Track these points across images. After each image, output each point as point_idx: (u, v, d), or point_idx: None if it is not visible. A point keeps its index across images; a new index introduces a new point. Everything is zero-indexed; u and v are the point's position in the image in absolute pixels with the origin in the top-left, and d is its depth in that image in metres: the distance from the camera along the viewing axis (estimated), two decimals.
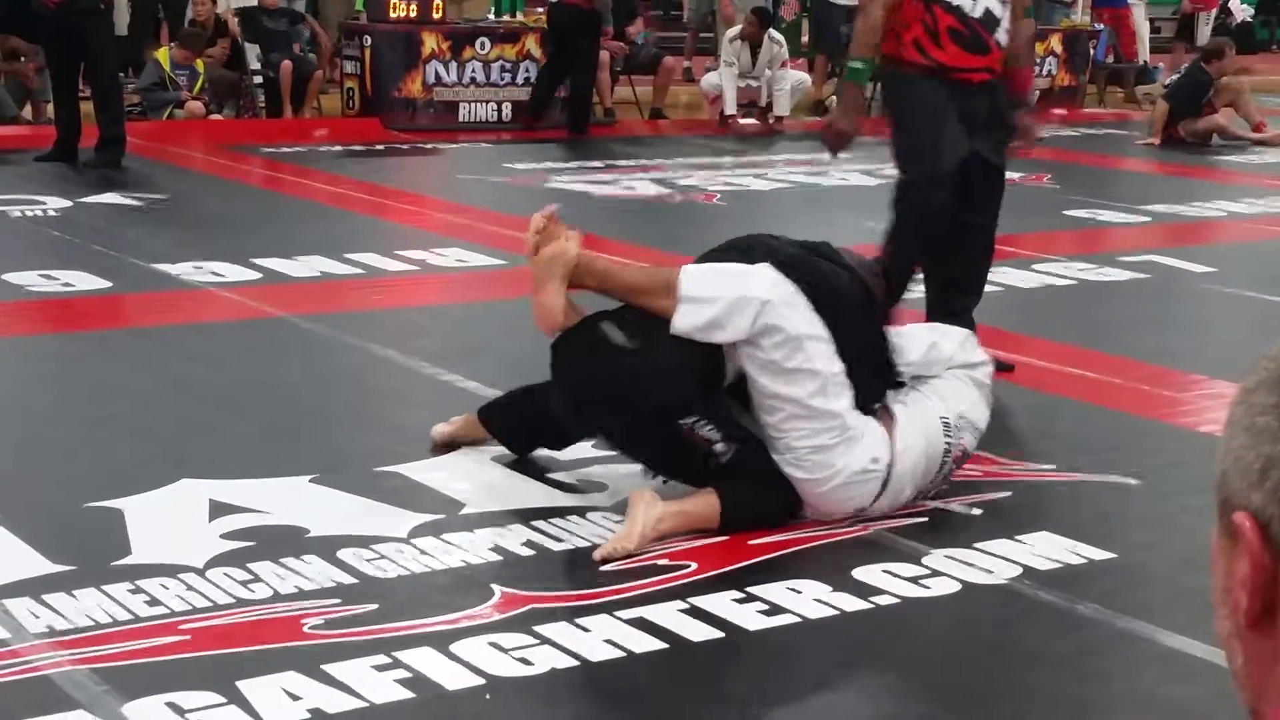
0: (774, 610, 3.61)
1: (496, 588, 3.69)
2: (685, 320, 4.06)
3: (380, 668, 3.25)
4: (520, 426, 4.62)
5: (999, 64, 5.60)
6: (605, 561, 3.85)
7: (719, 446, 4.07)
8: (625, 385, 4.10)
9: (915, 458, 4.22)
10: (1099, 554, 4.05)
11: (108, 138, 10.48)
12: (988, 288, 7.45)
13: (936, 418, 4.30)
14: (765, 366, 4.06)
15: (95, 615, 3.47)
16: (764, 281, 4.07)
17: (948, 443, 4.30)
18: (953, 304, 5.74)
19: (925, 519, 4.24)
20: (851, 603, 3.67)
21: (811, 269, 4.17)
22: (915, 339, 4.46)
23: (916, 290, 5.85)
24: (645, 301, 4.14)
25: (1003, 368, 5.51)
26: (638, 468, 4.29)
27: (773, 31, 14.62)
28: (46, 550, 3.83)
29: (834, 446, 4.09)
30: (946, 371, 4.44)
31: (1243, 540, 1.02)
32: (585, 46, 13.45)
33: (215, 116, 13.37)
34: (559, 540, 4.02)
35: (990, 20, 5.55)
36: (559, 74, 13.53)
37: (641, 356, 4.10)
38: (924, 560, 3.94)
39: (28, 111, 13.29)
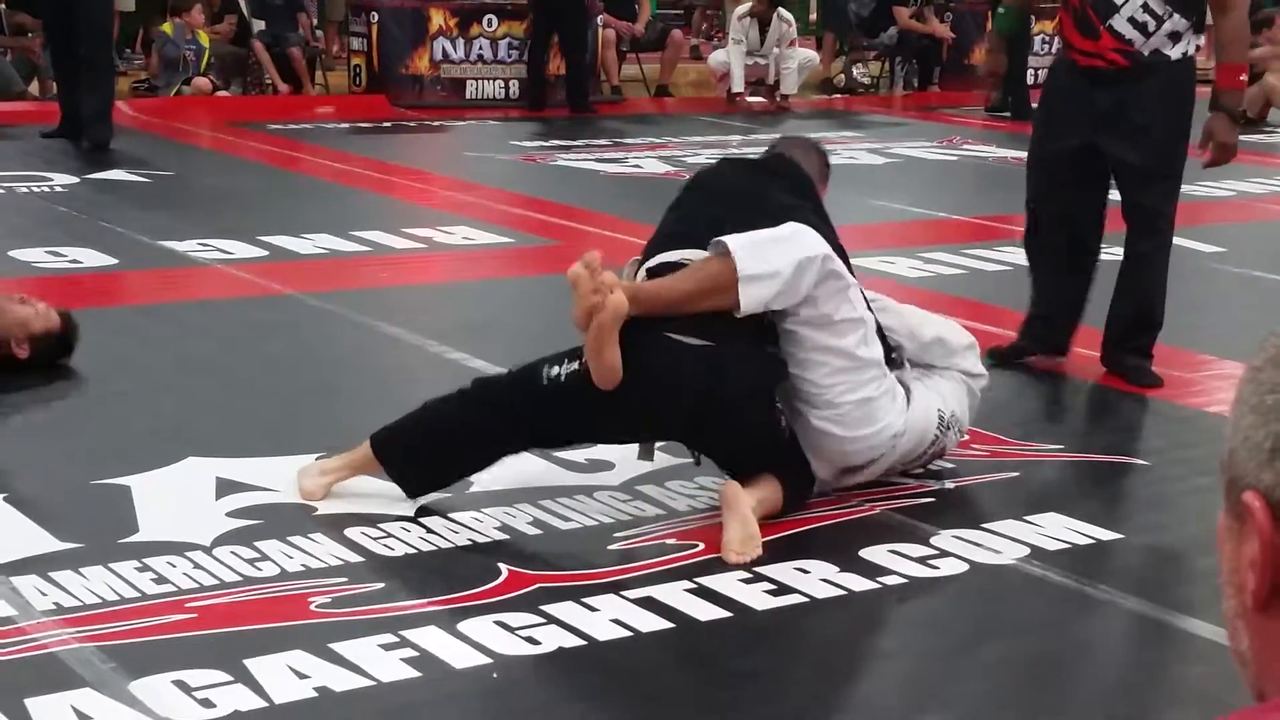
0: (781, 590, 3.60)
1: (504, 566, 3.68)
2: (753, 300, 3.92)
3: (387, 646, 3.24)
4: (417, 465, 4.09)
5: (1121, 55, 5.25)
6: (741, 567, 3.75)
7: (783, 422, 4.06)
8: (726, 380, 3.93)
9: (913, 439, 4.24)
10: (1107, 534, 4.04)
11: (93, 113, 10.25)
12: (997, 267, 7.46)
13: (935, 410, 4.30)
14: (815, 320, 4.00)
15: (102, 593, 3.46)
16: (810, 237, 4.01)
17: (936, 434, 4.30)
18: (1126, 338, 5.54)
19: (932, 499, 4.24)
20: (859, 583, 3.67)
21: (801, 215, 4.13)
22: (920, 322, 4.45)
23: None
24: (703, 305, 3.94)
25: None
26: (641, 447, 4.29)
27: (781, 10, 14.58)
28: (53, 528, 3.83)
29: (878, 399, 4.10)
30: (947, 370, 4.43)
31: (1252, 520, 1.01)
32: (574, 19, 13.38)
33: (222, 93, 13.36)
34: (566, 519, 4.01)
35: (1105, 5, 5.23)
36: (546, 46, 13.47)
37: (723, 348, 3.95)
38: (932, 540, 3.93)
39: (35, 87, 13.29)
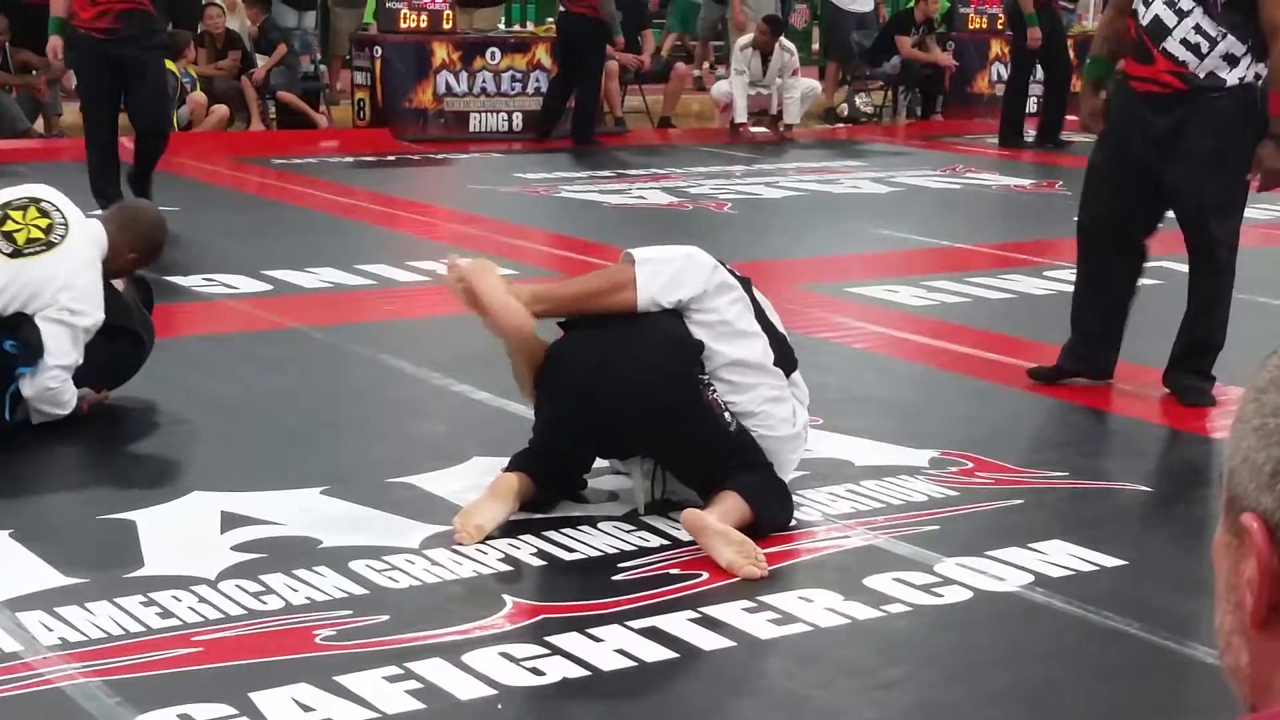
0: (786, 619, 3.60)
1: (508, 598, 3.69)
2: (648, 284, 4.14)
3: (392, 678, 3.25)
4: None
5: (1176, 78, 5.29)
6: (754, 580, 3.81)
7: (727, 416, 4.10)
8: (634, 357, 4.11)
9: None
10: (1111, 561, 4.04)
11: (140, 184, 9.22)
12: (1002, 295, 7.47)
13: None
14: (718, 329, 4.17)
15: (108, 627, 3.47)
16: (703, 252, 4.29)
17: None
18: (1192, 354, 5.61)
19: (936, 527, 4.24)
20: (864, 611, 3.67)
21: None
22: None
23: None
24: (604, 301, 4.19)
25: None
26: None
27: (784, 39, 14.63)
28: (59, 563, 3.84)
29: (785, 400, 4.26)
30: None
31: (1250, 541, 1.01)
32: (592, 56, 13.47)
33: (218, 107, 13.36)
34: (570, 550, 4.02)
35: (1158, 28, 5.29)
36: (569, 84, 13.55)
37: (630, 333, 4.15)
38: (936, 568, 3.94)
39: (40, 125, 13.34)
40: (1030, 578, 3.90)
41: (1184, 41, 5.27)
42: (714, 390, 4.15)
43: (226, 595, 3.67)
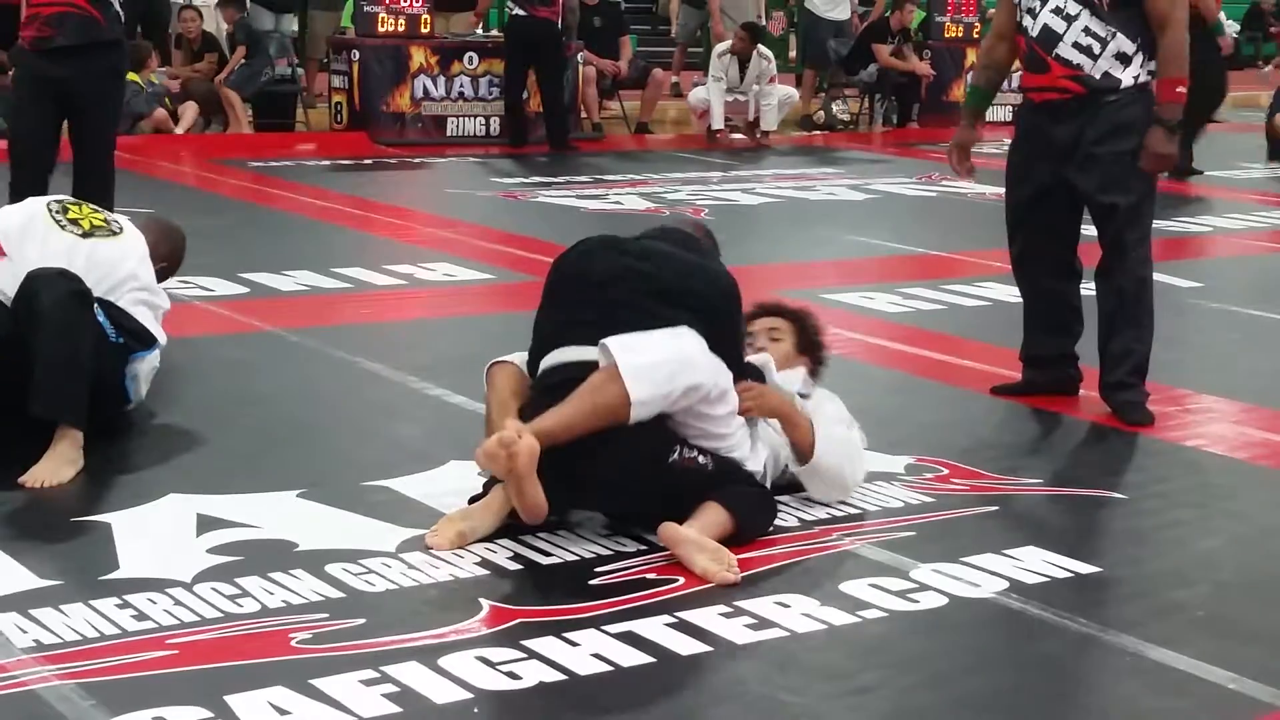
0: (762, 624, 3.61)
1: (484, 602, 3.69)
2: (640, 411, 3.97)
3: (368, 682, 3.24)
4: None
5: (1073, 82, 5.36)
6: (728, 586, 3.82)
7: (701, 460, 4.10)
8: (606, 457, 4.02)
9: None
10: (1085, 568, 4.05)
11: None
12: (976, 302, 7.50)
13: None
14: (694, 414, 4.09)
15: (82, 630, 3.46)
16: (700, 358, 4.06)
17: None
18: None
19: (912, 533, 4.25)
20: (839, 616, 3.68)
21: (685, 290, 4.21)
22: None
23: None
24: (598, 427, 3.98)
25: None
26: None
27: (761, 46, 14.67)
28: (34, 565, 3.83)
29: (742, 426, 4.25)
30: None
31: None
32: (554, 59, 13.48)
33: (187, 113, 13.35)
34: (547, 555, 4.02)
35: (1048, 36, 5.37)
36: (521, 83, 13.55)
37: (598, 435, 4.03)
38: (911, 574, 3.95)
39: None
40: (1005, 584, 3.92)
41: (1075, 44, 5.35)
42: (687, 448, 4.10)
43: (202, 598, 3.66)
